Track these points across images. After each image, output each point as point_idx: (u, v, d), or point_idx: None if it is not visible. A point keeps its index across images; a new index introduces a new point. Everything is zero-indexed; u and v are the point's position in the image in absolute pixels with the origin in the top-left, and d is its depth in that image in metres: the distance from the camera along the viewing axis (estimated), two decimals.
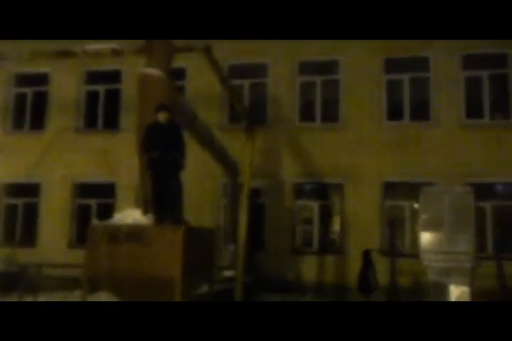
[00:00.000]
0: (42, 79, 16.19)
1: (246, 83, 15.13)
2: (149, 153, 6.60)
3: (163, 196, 6.60)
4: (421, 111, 14.25)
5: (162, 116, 6.63)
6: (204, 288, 7.50)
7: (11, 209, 15.97)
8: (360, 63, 14.28)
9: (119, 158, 14.60)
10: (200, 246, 6.56)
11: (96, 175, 15.20)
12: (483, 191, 13.29)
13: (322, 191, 14.68)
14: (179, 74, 13.80)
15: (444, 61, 13.93)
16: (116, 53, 7.97)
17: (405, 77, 14.44)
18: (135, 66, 8.89)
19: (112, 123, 15.63)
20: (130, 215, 6.41)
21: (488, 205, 13.49)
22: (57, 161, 15.33)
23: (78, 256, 11.30)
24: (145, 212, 6.52)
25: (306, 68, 14.94)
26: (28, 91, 16.47)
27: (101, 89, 16.02)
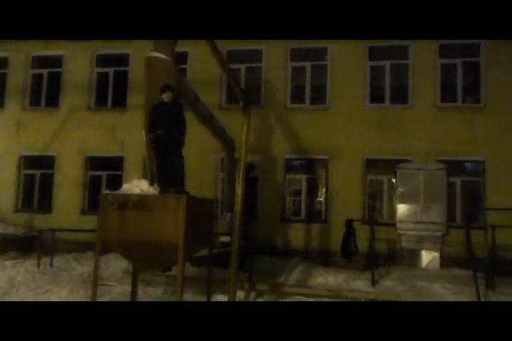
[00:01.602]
0: (57, 61, 15.97)
1: (243, 67, 14.98)
2: (154, 130, 6.54)
3: (166, 169, 6.58)
4: (400, 94, 14.17)
5: (166, 96, 6.56)
6: (204, 251, 7.54)
7: (29, 179, 15.91)
8: (346, 50, 14.12)
9: (126, 134, 14.59)
10: (200, 214, 6.55)
11: (106, 150, 15.14)
12: (453, 168, 13.35)
13: (309, 166, 14.67)
14: (182, 58, 13.63)
15: (422, 49, 13.79)
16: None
17: (387, 64, 14.32)
18: (142, 50, 8.73)
19: (120, 102, 15.49)
20: (137, 186, 6.36)
21: (458, 180, 13.54)
22: (70, 136, 15.26)
23: (89, 222, 11.41)
24: (151, 183, 6.48)
25: (297, 54, 14.78)
26: (44, 72, 16.25)
27: (110, 71, 15.81)
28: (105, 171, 15.33)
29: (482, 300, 8.07)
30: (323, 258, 13.21)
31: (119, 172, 14.97)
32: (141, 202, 5.95)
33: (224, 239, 11.57)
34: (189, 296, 8.05)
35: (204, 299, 7.41)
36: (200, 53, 10.19)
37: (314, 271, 11.38)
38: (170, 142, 6.56)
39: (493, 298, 8.95)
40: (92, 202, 14.89)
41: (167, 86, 6.59)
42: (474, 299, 8.17)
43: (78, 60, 15.63)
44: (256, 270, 10.10)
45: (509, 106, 13.22)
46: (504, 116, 13.20)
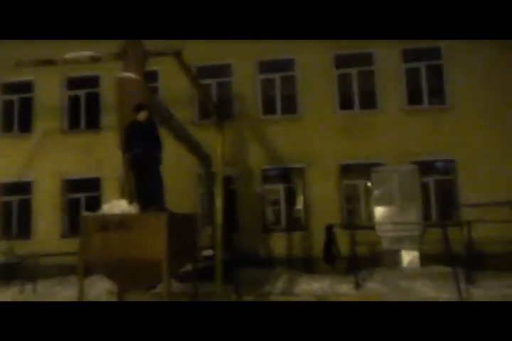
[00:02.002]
0: (27, 86, 15.82)
1: (213, 82, 15.06)
2: (131, 150, 6.53)
3: (145, 187, 6.56)
4: (368, 100, 14.41)
5: (140, 115, 6.56)
6: (188, 267, 7.49)
7: (7, 206, 15.64)
8: (313, 60, 14.33)
9: (102, 155, 14.44)
10: (182, 230, 6.52)
11: (82, 172, 14.99)
12: (425, 168, 13.58)
13: (286, 175, 14.75)
14: (153, 76, 13.65)
15: (386, 55, 14.09)
16: (94, 60, 7.81)
17: (353, 71, 14.57)
18: (111, 71, 8.72)
19: (93, 123, 15.42)
20: (117, 205, 6.32)
21: (430, 180, 13.78)
22: (45, 160, 15.06)
23: (71, 245, 11.22)
24: (130, 202, 6.45)
25: (265, 66, 14.94)
26: (15, 98, 16.07)
27: (82, 93, 15.74)
28: (83, 193, 15.17)
29: (463, 294, 8.18)
30: (307, 265, 13.25)
31: (97, 194, 14.82)
32: (122, 221, 5.91)
33: (207, 252, 11.51)
34: None
35: None
36: (171, 71, 10.22)
37: (299, 279, 11.39)
38: (147, 160, 6.55)
39: (474, 291, 9.08)
40: (72, 225, 14.71)
41: (141, 105, 6.60)
42: (456, 294, 8.28)
43: (48, 84, 15.50)
44: (241, 281, 10.06)
45: (473, 106, 13.55)
46: (469, 115, 13.52)
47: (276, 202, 14.77)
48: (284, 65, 14.85)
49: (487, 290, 9.30)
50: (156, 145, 6.69)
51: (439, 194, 13.79)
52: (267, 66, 14.89)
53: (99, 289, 10.49)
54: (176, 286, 9.81)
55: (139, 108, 6.56)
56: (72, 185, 15.32)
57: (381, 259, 13.10)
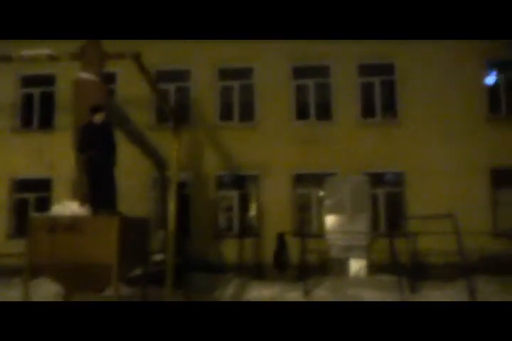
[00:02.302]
0: None
1: (172, 87, 14.98)
2: (86, 151, 6.43)
3: (98, 190, 6.47)
4: (324, 111, 14.68)
5: (97, 117, 6.48)
6: (138, 271, 7.41)
7: None
8: (271, 70, 14.49)
9: (54, 155, 14.08)
10: (134, 234, 6.46)
11: (33, 171, 14.56)
12: (376, 179, 13.91)
13: (240, 182, 14.78)
14: (111, 78, 13.46)
15: (343, 69, 14.39)
16: (51, 58, 7.66)
17: (310, 82, 14.80)
18: (68, 70, 8.58)
19: (46, 123, 15.03)
20: (68, 207, 6.21)
21: (380, 191, 14.11)
22: None
23: (17, 246, 10.86)
24: (82, 204, 6.34)
25: (224, 74, 14.98)
26: None
27: (36, 91, 15.33)
28: (33, 193, 14.74)
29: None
30: (257, 272, 13.29)
31: (47, 194, 14.43)
32: (72, 223, 5.81)
33: (158, 257, 11.38)
34: None
35: None
36: (129, 73, 10.13)
37: (249, 285, 11.43)
38: (101, 163, 6.48)
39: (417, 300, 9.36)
40: (19, 225, 14.25)
41: (98, 106, 6.52)
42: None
43: (1, 81, 15.01)
44: (191, 286, 10.02)
45: (423, 121, 14.02)
46: (419, 130, 13.98)
47: (229, 209, 14.78)
48: (243, 74, 14.94)
49: (429, 299, 9.60)
50: (111, 147, 6.63)
51: (387, 205, 14.15)
52: (226, 73, 14.95)
53: (46, 291, 10.21)
54: (125, 290, 9.66)
55: (95, 109, 6.49)
56: (22, 185, 14.86)
57: (330, 267, 13.30)
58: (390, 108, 14.69)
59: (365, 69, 14.50)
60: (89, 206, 6.28)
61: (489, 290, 10.19)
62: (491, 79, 14.44)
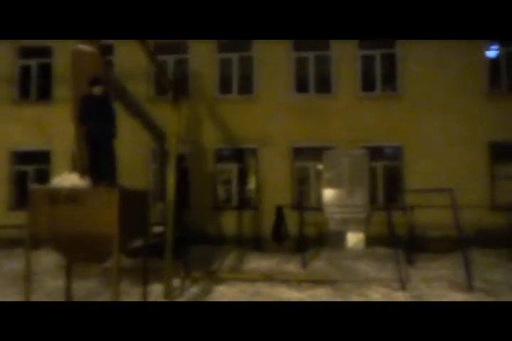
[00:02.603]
0: None
1: (170, 59, 14.82)
2: (86, 123, 6.42)
3: (98, 162, 6.49)
4: (323, 84, 14.55)
5: (96, 89, 6.46)
6: (138, 243, 7.48)
7: None
8: (271, 42, 14.25)
9: (53, 127, 14.05)
10: (134, 206, 6.50)
11: (32, 143, 14.54)
12: (375, 153, 13.93)
13: (239, 155, 14.78)
14: (109, 49, 13.30)
15: (343, 42, 14.16)
16: None
17: (310, 55, 14.64)
18: (65, 42, 8.46)
19: (44, 94, 14.93)
20: (68, 179, 6.21)
21: (379, 165, 14.13)
22: None
23: (17, 217, 10.94)
24: (82, 176, 6.35)
25: (223, 46, 14.78)
26: None
27: (33, 63, 15.17)
28: (32, 165, 14.75)
29: (403, 275, 8.53)
30: (256, 244, 13.46)
31: (46, 167, 14.45)
32: (72, 195, 5.83)
33: (157, 229, 11.47)
34: (125, 287, 7.99)
35: (140, 289, 7.38)
36: (127, 45, 9.99)
37: (247, 257, 11.59)
38: (102, 135, 6.48)
39: (413, 272, 9.51)
40: (20, 197, 14.32)
41: (96, 78, 6.48)
42: (396, 274, 8.63)
43: None
44: (190, 258, 10.14)
45: (423, 95, 13.93)
46: (418, 103, 13.90)
47: (228, 182, 14.83)
48: (242, 46, 14.75)
49: (424, 270, 9.76)
50: (112, 119, 6.63)
51: (386, 179, 14.19)
52: (225, 46, 14.76)
53: (47, 262, 10.35)
54: (126, 261, 9.79)
55: (94, 82, 6.45)
56: (21, 157, 14.86)
57: (328, 240, 13.46)
58: (389, 81, 14.58)
59: (366, 42, 14.31)
60: (89, 178, 6.29)
61: (485, 263, 10.36)
62: (492, 53, 14.28)
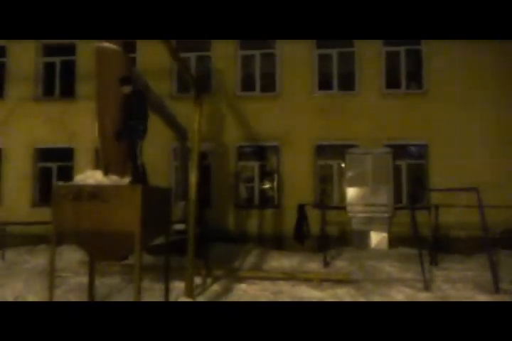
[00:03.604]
0: (0, 51, 15.39)
1: (192, 56, 14.90)
2: (125, 122, 6.57)
3: (139, 161, 6.66)
4: (347, 82, 14.47)
5: (126, 88, 6.59)
6: (160, 240, 7.56)
7: None
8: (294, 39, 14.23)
9: (76, 124, 14.26)
10: (156, 203, 6.56)
11: (55, 141, 14.78)
12: (399, 151, 13.82)
13: (261, 153, 14.81)
14: (131, 47, 13.44)
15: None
16: None
17: (334, 52, 14.56)
18: (88, 40, 8.52)
19: (68, 92, 15.16)
20: (91, 176, 6.32)
21: (403, 163, 14.01)
22: (18, 128, 14.81)
23: (41, 214, 11.18)
24: (105, 173, 6.44)
25: (246, 43, 14.80)
26: None
27: (57, 60, 15.42)
28: (55, 162, 15.00)
29: (426, 275, 8.45)
30: (277, 243, 13.46)
31: (69, 164, 14.68)
32: (96, 192, 5.92)
33: (179, 226, 11.55)
34: (147, 284, 8.08)
35: (162, 286, 7.45)
36: (150, 42, 10.07)
37: (268, 255, 11.60)
38: (139, 133, 6.73)
39: (437, 273, 9.41)
40: (43, 194, 14.58)
41: (127, 77, 6.64)
42: (419, 275, 8.56)
43: (23, 50, 15.09)
44: (212, 256, 10.20)
45: (448, 92, 13.75)
46: (444, 101, 13.71)
47: (250, 179, 14.86)
48: (265, 43, 14.74)
49: (449, 271, 9.65)
50: (145, 118, 6.91)
51: (410, 177, 14.06)
52: (248, 43, 14.76)
53: (70, 258, 10.53)
54: (147, 259, 9.90)
55: (124, 81, 6.60)
56: (45, 154, 15.11)
57: (350, 239, 13.40)
58: (415, 78, 14.43)
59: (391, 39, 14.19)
60: (131, 177, 6.43)
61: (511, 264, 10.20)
62: None
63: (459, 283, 8.51)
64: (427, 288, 8.12)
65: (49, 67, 15.47)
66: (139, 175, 6.56)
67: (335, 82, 14.53)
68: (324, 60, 14.60)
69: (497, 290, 7.79)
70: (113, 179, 6.31)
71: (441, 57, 13.82)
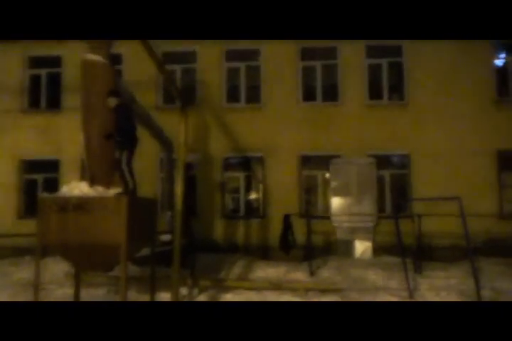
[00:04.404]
0: None
1: (178, 68, 14.93)
2: (117, 135, 6.61)
3: (130, 172, 6.69)
4: (331, 93, 14.61)
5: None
6: (145, 250, 7.52)
7: None
8: (278, 51, 14.37)
9: (61, 136, 14.17)
10: (142, 214, 6.54)
11: (41, 152, 14.64)
12: (382, 161, 13.93)
13: (247, 164, 14.82)
14: (117, 59, 13.42)
15: (350, 50, 14.26)
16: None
17: (318, 64, 14.71)
18: (75, 51, 8.54)
19: (54, 103, 15.07)
20: (77, 187, 6.29)
21: (386, 173, 14.12)
22: (3, 140, 14.66)
23: (27, 226, 11.02)
24: (91, 184, 6.41)
25: (231, 55, 14.90)
26: None
27: (43, 72, 15.34)
28: (41, 174, 14.85)
29: (410, 283, 8.50)
30: (263, 253, 13.45)
31: (55, 175, 14.55)
32: (81, 203, 5.89)
33: (165, 237, 11.49)
34: (133, 295, 8.01)
35: (147, 297, 7.40)
36: (136, 54, 10.08)
37: (254, 265, 11.58)
38: (130, 144, 6.81)
39: (421, 281, 9.47)
40: (29, 206, 14.41)
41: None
42: (404, 283, 8.60)
43: (8, 61, 15.01)
44: (198, 266, 10.15)
45: (430, 103, 13.95)
46: (426, 112, 13.92)
47: (236, 190, 14.86)
48: (250, 55, 14.86)
49: (432, 279, 9.71)
50: (134, 130, 6.99)
51: (393, 187, 14.17)
52: (233, 55, 14.87)
53: (55, 270, 10.39)
54: (133, 270, 9.82)
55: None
56: (30, 166, 14.97)
57: (335, 249, 13.42)
58: (397, 90, 14.62)
59: (373, 51, 14.38)
60: (122, 188, 6.43)
61: (493, 272, 10.29)
62: (499, 62, 14.29)
63: (443, 291, 8.57)
64: (411, 296, 8.15)
65: (35, 79, 15.38)
66: (128, 187, 6.54)
67: (319, 93, 14.66)
68: (308, 72, 14.73)
69: (479, 297, 7.85)
70: (99, 190, 6.27)
71: (422, 69, 14.05)
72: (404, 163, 14.25)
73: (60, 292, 8.62)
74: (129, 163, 6.80)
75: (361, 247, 13.21)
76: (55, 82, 15.11)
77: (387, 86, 14.53)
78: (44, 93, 15.33)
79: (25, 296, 7.98)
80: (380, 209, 13.71)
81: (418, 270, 10.25)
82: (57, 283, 9.43)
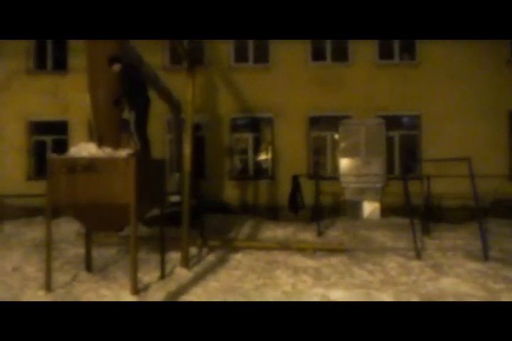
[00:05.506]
0: None
1: None
2: (125, 98, 6.60)
3: (141, 133, 6.75)
4: (340, 53, 14.29)
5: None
6: (155, 211, 7.56)
7: None
8: None
9: (69, 97, 14.04)
10: (151, 175, 6.53)
11: (49, 114, 14.56)
12: (392, 122, 13.76)
13: (255, 125, 14.71)
14: None
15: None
16: None
17: None
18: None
19: (60, 64, 14.86)
20: (85, 149, 6.26)
21: (396, 134, 13.99)
22: (11, 101, 14.56)
23: (37, 187, 11.11)
24: (99, 145, 6.38)
25: None
26: None
27: None
28: (50, 136, 14.84)
29: (418, 244, 8.54)
30: (272, 213, 13.53)
31: (64, 137, 14.54)
32: (90, 164, 5.88)
33: (174, 198, 11.57)
34: (143, 255, 8.13)
35: (158, 257, 7.49)
36: None
37: (263, 226, 11.68)
38: (143, 106, 6.86)
39: (429, 242, 9.51)
40: (38, 167, 14.49)
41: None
42: (411, 244, 8.64)
43: None
44: (207, 227, 10.25)
45: (442, 63, 13.64)
46: (437, 72, 13.63)
47: (244, 151, 14.81)
48: None
49: (440, 240, 9.75)
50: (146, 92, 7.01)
51: (403, 148, 14.06)
52: None
53: (67, 230, 10.55)
54: (143, 230, 9.94)
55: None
56: (39, 127, 14.93)
57: (343, 209, 13.49)
58: (408, 49, 14.26)
59: None
60: (138, 149, 6.50)
61: (501, 233, 10.32)
62: None
63: (450, 252, 8.60)
64: (418, 256, 8.21)
65: (41, 41, 15.10)
66: (142, 147, 6.56)
67: (328, 52, 14.34)
68: None
69: (486, 257, 7.89)
70: (107, 151, 6.24)
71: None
72: (414, 124, 14.07)
73: (72, 251, 8.75)
74: (141, 124, 6.76)
75: (369, 208, 13.25)
76: (62, 43, 14.85)
77: (398, 45, 14.17)
78: (50, 54, 15.10)
79: (37, 256, 8.14)
80: (389, 170, 13.67)
81: (426, 231, 10.28)
82: (68, 242, 9.57)
